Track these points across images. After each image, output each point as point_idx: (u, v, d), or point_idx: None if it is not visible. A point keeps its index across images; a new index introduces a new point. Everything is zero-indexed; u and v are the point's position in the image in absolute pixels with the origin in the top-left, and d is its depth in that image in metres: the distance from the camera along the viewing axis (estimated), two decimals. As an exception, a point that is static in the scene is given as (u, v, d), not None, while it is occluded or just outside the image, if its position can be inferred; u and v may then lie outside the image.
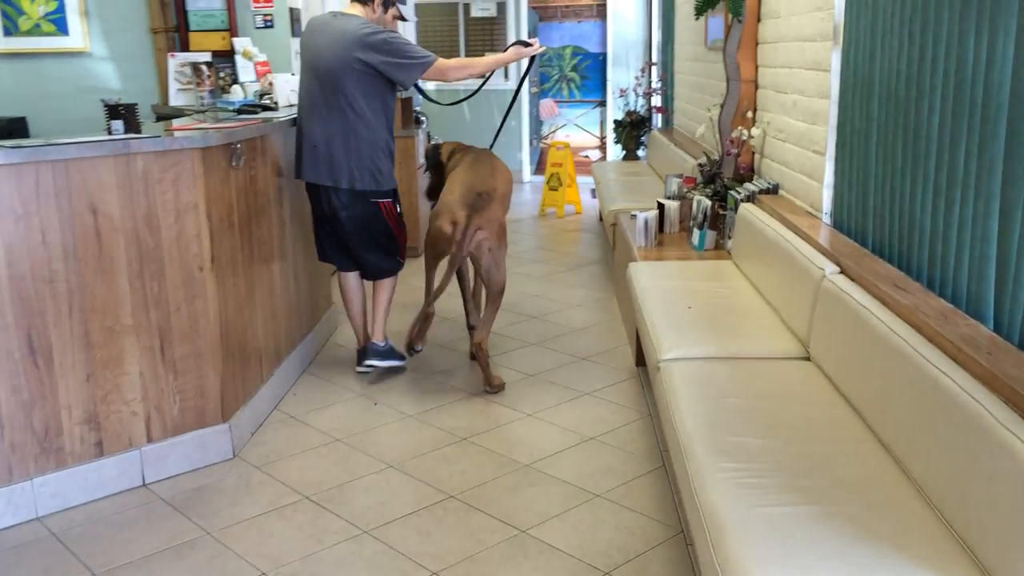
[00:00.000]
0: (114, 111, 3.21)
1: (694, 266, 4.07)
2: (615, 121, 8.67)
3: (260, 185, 3.71)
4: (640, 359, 4.22)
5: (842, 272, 2.76)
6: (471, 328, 4.30)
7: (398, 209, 4.04)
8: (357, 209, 3.91)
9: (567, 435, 3.52)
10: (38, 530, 2.88)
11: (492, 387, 3.96)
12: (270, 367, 3.83)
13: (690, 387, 2.57)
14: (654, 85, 8.61)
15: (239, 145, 3.41)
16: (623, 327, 4.85)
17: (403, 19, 4.06)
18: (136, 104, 3.25)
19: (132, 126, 3.24)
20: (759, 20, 4.42)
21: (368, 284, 4.22)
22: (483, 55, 4.33)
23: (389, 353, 4.19)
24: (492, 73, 4.18)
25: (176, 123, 3.84)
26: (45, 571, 2.65)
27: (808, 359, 2.83)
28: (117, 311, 3.02)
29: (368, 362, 4.14)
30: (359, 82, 3.74)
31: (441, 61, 3.79)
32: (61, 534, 2.85)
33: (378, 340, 4.14)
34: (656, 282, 3.75)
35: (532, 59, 4.23)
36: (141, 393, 3.12)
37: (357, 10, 3.83)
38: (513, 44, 4.18)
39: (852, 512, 1.82)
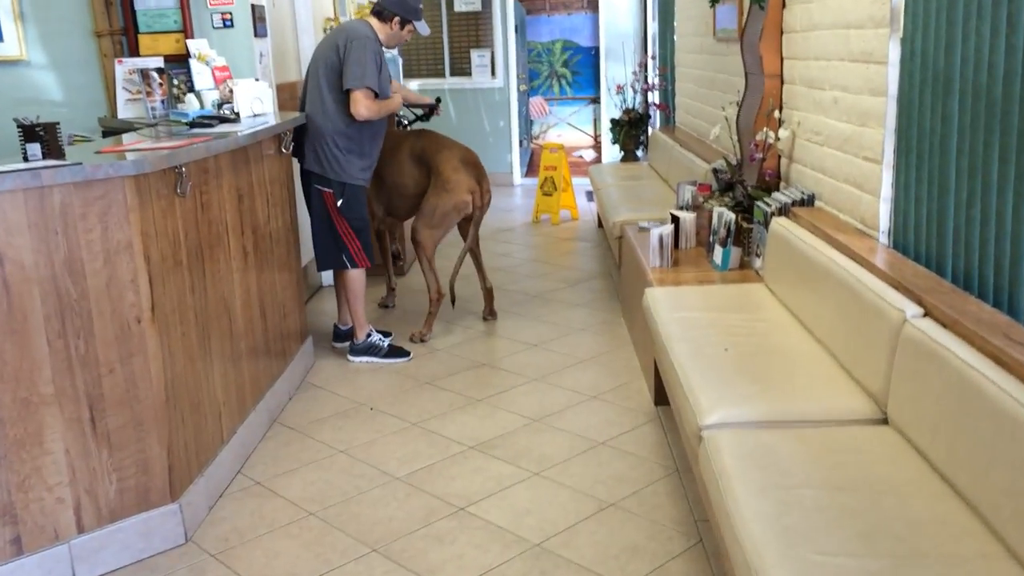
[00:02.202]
0: (30, 132, 2.64)
1: (720, 292, 3.53)
2: (612, 120, 8.12)
3: (214, 213, 3.15)
4: (659, 398, 3.68)
5: (928, 315, 2.22)
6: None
7: (339, 203, 4.15)
8: (310, 191, 4.22)
9: (582, 500, 2.99)
10: (-62, 655, 2.33)
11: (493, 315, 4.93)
12: (232, 424, 3.28)
13: (747, 471, 2.02)
14: (652, 80, 8.06)
15: (184, 168, 2.86)
16: (635, 357, 4.31)
17: (419, 33, 4.30)
18: (57, 123, 2.68)
19: (52, 150, 2.68)
20: (784, 6, 3.88)
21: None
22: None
23: (365, 350, 4.38)
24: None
25: (119, 142, 3.28)
26: None
27: (886, 422, 2.30)
28: (33, 378, 2.47)
29: (348, 357, 4.41)
30: (329, 74, 4.04)
31: (361, 96, 3.95)
32: (-35, 661, 2.30)
33: (356, 337, 4.39)
34: (679, 315, 3.21)
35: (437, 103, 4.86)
36: (68, 475, 2.57)
37: (374, 21, 4.14)
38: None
39: None
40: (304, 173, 4.23)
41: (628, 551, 2.68)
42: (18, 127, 2.66)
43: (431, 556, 2.70)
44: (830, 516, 1.80)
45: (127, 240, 2.58)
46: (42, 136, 2.67)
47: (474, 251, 4.91)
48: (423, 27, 4.24)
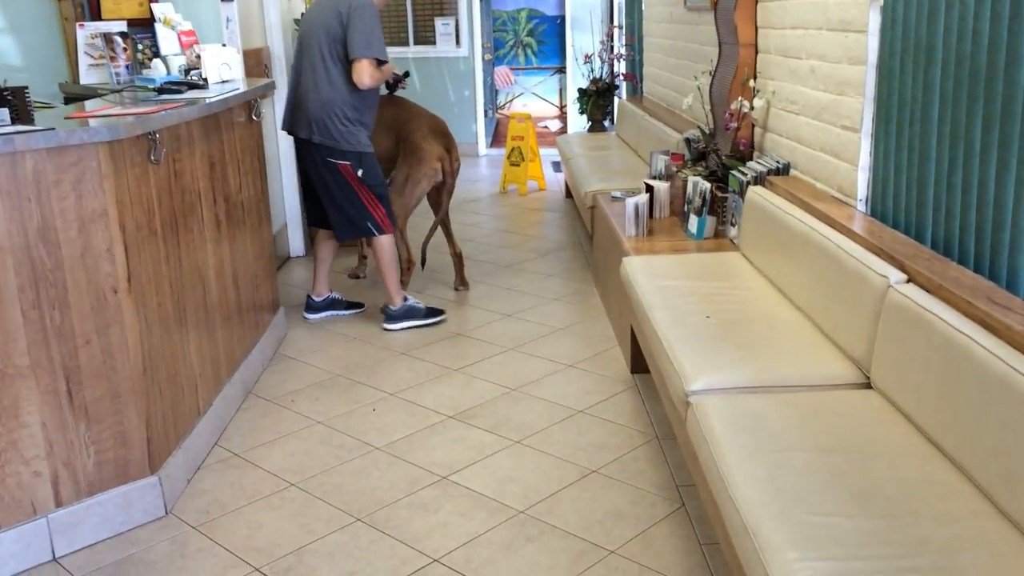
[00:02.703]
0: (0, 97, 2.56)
1: (697, 260, 3.55)
2: (579, 90, 8.09)
3: (187, 181, 3.09)
4: (636, 365, 3.71)
5: (911, 280, 2.25)
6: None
7: (359, 173, 4.09)
8: (320, 167, 4.10)
9: (564, 468, 3.00)
10: (-85, 632, 2.28)
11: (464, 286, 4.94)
12: (208, 396, 3.24)
13: (737, 435, 2.05)
14: (620, 50, 8.04)
15: (158, 135, 2.79)
16: (609, 326, 4.33)
17: None
18: (26, 88, 2.60)
19: (22, 116, 2.60)
20: (760, -25, 3.88)
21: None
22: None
23: (404, 314, 4.34)
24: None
25: (85, 108, 3.19)
26: None
27: (870, 387, 2.34)
28: (8, 350, 2.40)
29: (383, 326, 4.37)
30: (333, 44, 3.96)
31: (368, 65, 3.92)
32: (-56, 638, 2.26)
33: (390, 304, 4.35)
34: (659, 283, 3.22)
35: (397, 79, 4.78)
36: (45, 448, 2.51)
37: None
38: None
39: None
40: (307, 147, 4.10)
41: (612, 516, 2.70)
42: (-15, 91, 2.57)
43: (416, 524, 2.70)
44: (822, 478, 1.83)
45: (102, 208, 2.52)
46: (10, 101, 2.59)
47: (444, 220, 4.90)
48: None
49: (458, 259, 4.96)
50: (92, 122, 2.57)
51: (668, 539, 2.57)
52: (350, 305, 4.59)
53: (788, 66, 3.56)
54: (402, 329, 4.34)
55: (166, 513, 2.79)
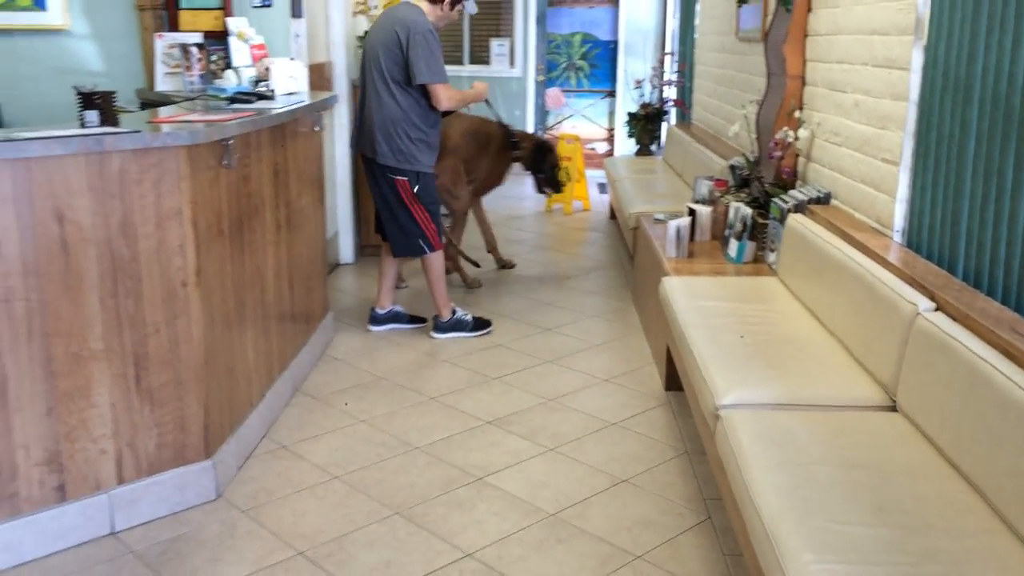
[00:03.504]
0: (88, 100, 2.76)
1: (735, 283, 3.65)
2: (629, 113, 8.22)
3: (254, 185, 3.28)
4: (670, 383, 3.81)
5: (939, 309, 2.34)
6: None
7: (415, 189, 4.23)
8: (382, 182, 4.26)
9: (596, 476, 3.12)
10: (-13, 591, 2.46)
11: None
12: (260, 390, 3.41)
13: (764, 448, 2.15)
14: (671, 76, 8.16)
15: (231, 141, 2.98)
16: (646, 344, 4.44)
17: (466, 11, 4.37)
18: (114, 92, 2.80)
19: (109, 118, 2.80)
20: (810, 9, 3.99)
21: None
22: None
23: (452, 326, 4.51)
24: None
25: (161, 114, 3.39)
26: (-9, 649, 2.23)
27: (895, 409, 2.42)
28: (85, 334, 2.59)
29: (431, 334, 4.55)
30: (393, 66, 4.09)
31: (442, 89, 4.10)
32: (13, 597, 2.43)
33: (440, 316, 4.52)
34: (696, 303, 3.33)
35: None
36: (112, 428, 2.69)
37: (423, 4, 4.16)
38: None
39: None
40: (371, 164, 4.25)
41: (640, 524, 2.81)
42: (77, 94, 2.78)
43: (451, 521, 2.83)
44: (843, 490, 1.93)
45: (178, 207, 2.70)
46: (99, 104, 2.79)
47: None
48: (471, 6, 4.30)
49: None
50: (173, 127, 2.77)
51: (693, 548, 2.67)
52: (412, 319, 4.67)
53: (833, 99, 3.67)
54: (449, 338, 4.48)
55: (217, 497, 2.95)
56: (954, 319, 2.25)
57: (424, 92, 4.12)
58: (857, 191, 3.38)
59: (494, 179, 5.57)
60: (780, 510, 1.86)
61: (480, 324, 4.56)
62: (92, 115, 2.76)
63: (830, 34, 3.72)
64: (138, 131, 2.60)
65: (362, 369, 4.12)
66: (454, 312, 4.51)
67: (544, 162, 5.64)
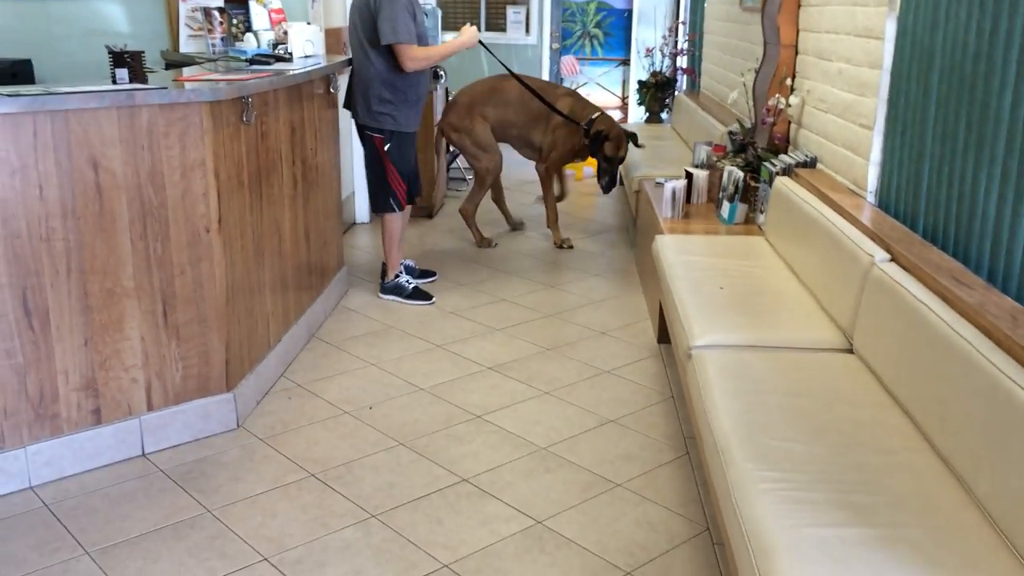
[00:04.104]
0: (119, 58, 3.00)
1: (724, 241, 3.87)
2: (639, 82, 8.39)
3: (271, 142, 3.52)
4: (662, 336, 4.04)
5: (893, 260, 2.56)
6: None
7: (386, 148, 4.38)
8: (363, 140, 4.48)
9: (586, 416, 3.36)
10: (31, 500, 2.75)
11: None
12: (277, 333, 3.67)
13: (726, 380, 2.39)
14: (682, 45, 8.31)
15: (250, 99, 3.22)
16: (644, 301, 4.67)
17: None
18: (143, 52, 3.04)
19: (137, 75, 3.04)
20: (803, -19, 4.16)
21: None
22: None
23: (392, 289, 4.65)
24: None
25: (185, 73, 3.63)
26: (36, 547, 2.51)
27: (851, 351, 2.65)
28: (118, 272, 2.86)
29: (379, 293, 4.71)
30: (367, 30, 4.23)
31: (405, 48, 4.16)
32: (54, 506, 2.72)
33: (387, 275, 4.68)
34: (684, 258, 3.56)
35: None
36: (142, 359, 2.97)
37: None
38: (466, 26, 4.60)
39: (912, 537, 1.66)
40: (358, 123, 4.47)
41: (623, 458, 3.06)
42: (109, 53, 3.02)
43: (451, 451, 3.09)
44: (788, 415, 2.17)
45: (201, 158, 2.95)
46: (129, 63, 3.03)
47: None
48: None
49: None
50: (197, 84, 3.01)
51: (669, 479, 2.92)
52: (423, 273, 4.90)
53: (821, 67, 3.85)
54: (388, 299, 4.63)
55: (237, 426, 3.23)
56: (906, 269, 2.46)
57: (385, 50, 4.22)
58: (839, 155, 3.57)
59: (551, 148, 5.52)
60: (731, 429, 2.09)
61: (419, 294, 4.62)
62: (123, 72, 3.00)
63: (820, 4, 3.90)
64: (165, 87, 2.85)
65: (374, 319, 4.38)
66: (397, 276, 4.63)
67: (599, 149, 5.34)
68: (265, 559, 2.47)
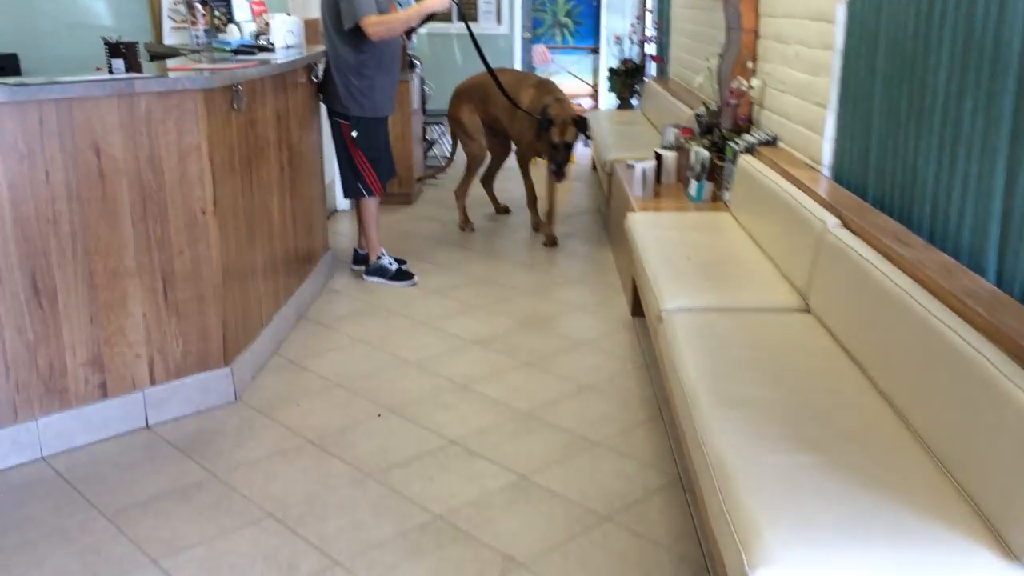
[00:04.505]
0: (115, 49, 3.16)
1: (692, 217, 4.09)
2: (609, 69, 8.60)
3: (260, 129, 3.68)
4: (636, 309, 4.26)
5: (844, 225, 2.79)
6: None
7: (354, 134, 4.52)
8: (332, 127, 4.61)
9: (565, 383, 3.57)
10: (43, 470, 2.91)
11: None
12: (269, 312, 3.85)
13: (693, 337, 2.61)
14: (649, 33, 8.52)
15: (240, 87, 3.38)
16: (618, 278, 4.88)
17: None
18: (137, 43, 3.20)
19: (133, 65, 3.19)
20: (763, -31, 4.38)
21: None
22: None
23: (376, 271, 4.80)
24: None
25: (173, 63, 3.78)
26: (54, 510, 2.68)
27: (808, 311, 2.88)
28: (120, 253, 3.02)
29: (364, 276, 4.88)
30: (332, 17, 4.33)
31: (366, 19, 4.22)
32: (67, 473, 2.88)
33: (369, 259, 4.83)
34: (655, 232, 3.77)
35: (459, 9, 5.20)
36: (144, 335, 3.13)
37: None
38: None
39: (856, 462, 1.88)
40: (328, 111, 4.59)
41: (600, 419, 3.27)
42: (105, 44, 3.17)
43: (438, 416, 3.29)
44: (749, 365, 2.38)
45: (196, 143, 3.11)
46: (124, 53, 3.19)
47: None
48: None
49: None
50: (190, 73, 3.17)
51: (644, 437, 3.13)
52: (398, 275, 4.80)
53: (780, 51, 4.07)
54: (373, 281, 4.78)
55: (236, 399, 3.40)
56: (855, 233, 2.69)
57: (361, 36, 4.27)
58: (797, 133, 3.80)
59: (518, 138, 5.59)
60: (697, 377, 2.31)
61: (402, 275, 4.76)
62: (119, 63, 3.15)
63: (779, -9, 4.11)
64: (163, 76, 3.01)
65: (360, 300, 4.56)
66: (379, 257, 4.78)
67: (546, 134, 5.21)
68: (270, 515, 2.66)
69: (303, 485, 2.82)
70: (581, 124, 5.24)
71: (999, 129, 2.19)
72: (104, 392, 3.08)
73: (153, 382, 3.19)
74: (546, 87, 5.59)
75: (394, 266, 4.83)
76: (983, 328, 1.89)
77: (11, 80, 2.84)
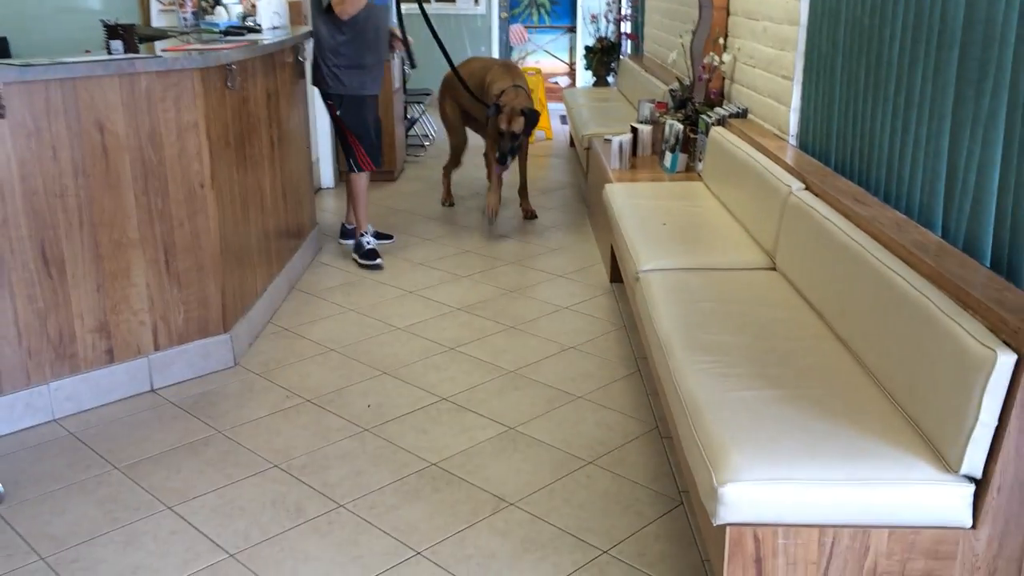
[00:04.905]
0: (113, 31, 3.30)
1: (666, 187, 4.28)
2: (586, 47, 8.76)
3: (251, 106, 3.83)
4: (614, 276, 4.45)
5: (807, 188, 2.99)
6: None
7: (339, 112, 4.66)
8: (325, 106, 4.78)
9: (548, 344, 3.76)
10: (56, 430, 3.07)
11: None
12: (263, 282, 4.01)
13: (667, 294, 2.80)
14: (625, 11, 8.69)
15: (234, 66, 3.52)
16: (597, 247, 5.08)
17: None
18: (135, 25, 3.34)
19: (130, 46, 3.33)
20: (732, -53, 4.55)
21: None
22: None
23: (356, 247, 4.89)
24: None
25: (164, 44, 3.91)
26: (70, 466, 2.85)
27: (775, 269, 3.08)
28: (124, 225, 3.17)
29: (340, 239, 5.17)
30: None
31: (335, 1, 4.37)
32: (79, 433, 3.05)
33: (357, 231, 4.91)
34: (631, 201, 3.96)
35: None
36: (148, 303, 3.29)
37: None
38: None
39: (813, 395, 2.08)
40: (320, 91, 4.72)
41: (582, 376, 3.47)
42: (104, 26, 3.31)
43: (430, 377, 3.47)
44: (719, 316, 2.58)
45: (194, 120, 3.26)
46: (122, 35, 3.33)
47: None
48: None
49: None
50: (185, 53, 3.31)
51: (623, 391, 3.34)
52: (379, 235, 5.10)
53: (749, 26, 4.26)
54: (353, 256, 4.87)
55: (235, 364, 3.57)
56: (817, 195, 2.89)
57: (338, 17, 4.37)
58: (766, 105, 3.99)
59: (481, 126, 5.75)
60: (671, 328, 2.51)
61: (370, 255, 4.77)
62: (117, 44, 3.29)
63: (747, -31, 4.30)
64: (160, 56, 3.15)
65: (348, 271, 4.72)
66: (362, 235, 4.84)
67: (495, 122, 5.23)
68: (275, 466, 2.84)
69: (304, 440, 3.00)
70: (530, 117, 5.19)
71: (945, 96, 2.39)
72: (111, 357, 3.24)
73: (157, 348, 3.35)
74: (511, 72, 5.59)
75: (369, 246, 4.83)
76: (928, 274, 2.10)
77: (17, 61, 2.98)
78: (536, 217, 5.72)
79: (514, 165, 5.57)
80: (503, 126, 5.16)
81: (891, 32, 2.72)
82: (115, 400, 3.26)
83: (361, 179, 4.82)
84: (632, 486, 2.71)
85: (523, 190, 5.77)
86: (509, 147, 5.20)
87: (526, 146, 5.60)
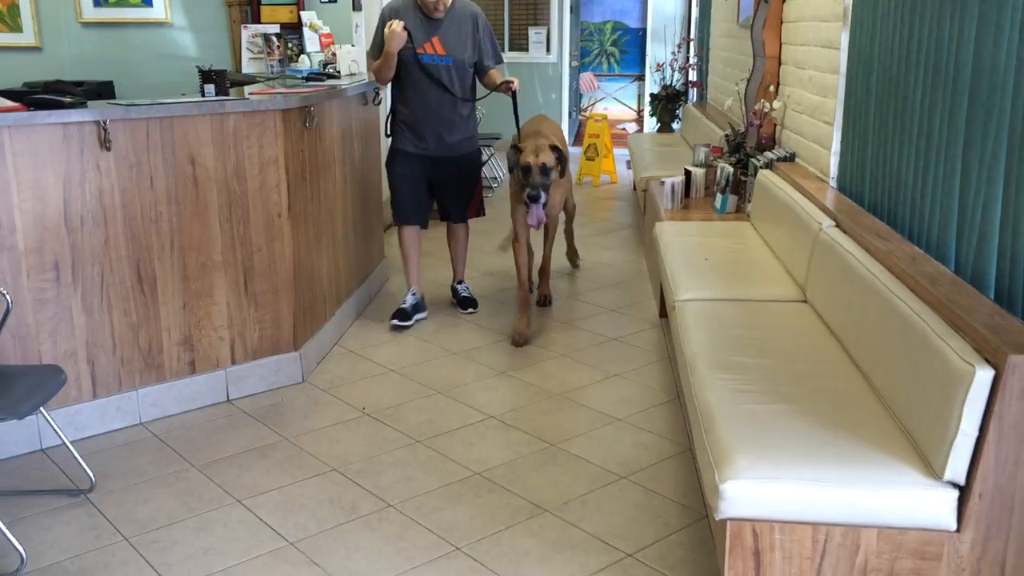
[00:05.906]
0: (207, 76, 3.69)
1: (715, 226, 4.47)
2: (651, 95, 9.02)
3: (327, 145, 4.18)
4: (663, 311, 4.64)
5: (836, 226, 3.16)
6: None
7: (384, 161, 4.75)
8: None
9: (594, 372, 3.97)
10: (142, 432, 3.40)
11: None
12: (332, 307, 4.32)
13: (699, 320, 3.00)
14: (690, 60, 8.94)
15: (312, 108, 3.88)
16: (649, 284, 5.28)
17: None
18: (226, 70, 3.72)
19: (221, 89, 3.72)
20: (784, 0, 4.78)
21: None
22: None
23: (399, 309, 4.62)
24: None
25: (253, 88, 4.31)
26: (153, 463, 3.17)
27: (805, 301, 3.25)
28: (209, 249, 3.52)
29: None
30: None
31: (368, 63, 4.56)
32: (162, 435, 3.37)
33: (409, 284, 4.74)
34: (679, 238, 4.17)
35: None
36: (227, 321, 3.62)
37: None
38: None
39: (820, 410, 2.25)
40: None
41: (623, 401, 3.66)
42: (199, 72, 3.71)
43: (479, 397, 3.72)
44: (745, 341, 2.77)
45: (275, 156, 3.61)
46: (215, 79, 3.72)
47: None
48: None
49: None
50: (269, 96, 3.67)
51: (661, 415, 3.52)
52: (466, 302, 4.85)
53: (797, 75, 4.46)
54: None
55: (303, 380, 3.87)
56: (844, 232, 3.06)
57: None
58: (811, 149, 4.17)
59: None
60: (698, 350, 2.70)
61: (398, 315, 4.58)
62: (210, 87, 3.68)
63: (796, 21, 4.51)
64: (247, 99, 3.52)
65: (411, 301, 5.01)
66: (412, 293, 4.68)
67: (516, 160, 4.37)
68: (334, 469, 3.11)
69: (362, 448, 3.27)
70: (560, 153, 4.41)
71: (958, 138, 2.57)
72: (193, 369, 3.57)
73: (234, 362, 3.68)
74: (542, 125, 4.97)
75: (405, 304, 4.64)
76: (928, 300, 2.26)
77: (123, 102, 3.38)
78: (550, 304, 4.95)
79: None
80: (530, 159, 4.24)
81: (914, 78, 2.90)
82: (195, 408, 3.59)
83: (403, 232, 4.66)
84: (662, 500, 2.89)
85: (545, 270, 4.97)
86: (539, 182, 4.22)
87: (556, 225, 4.91)
